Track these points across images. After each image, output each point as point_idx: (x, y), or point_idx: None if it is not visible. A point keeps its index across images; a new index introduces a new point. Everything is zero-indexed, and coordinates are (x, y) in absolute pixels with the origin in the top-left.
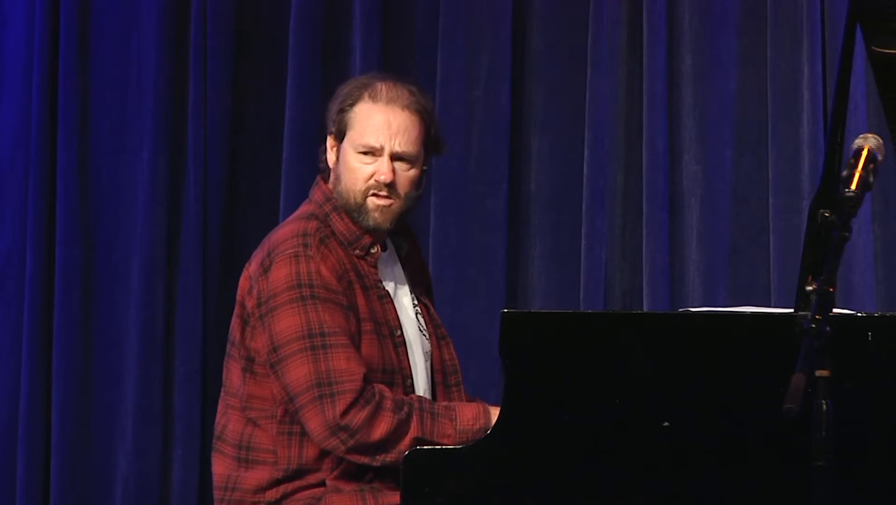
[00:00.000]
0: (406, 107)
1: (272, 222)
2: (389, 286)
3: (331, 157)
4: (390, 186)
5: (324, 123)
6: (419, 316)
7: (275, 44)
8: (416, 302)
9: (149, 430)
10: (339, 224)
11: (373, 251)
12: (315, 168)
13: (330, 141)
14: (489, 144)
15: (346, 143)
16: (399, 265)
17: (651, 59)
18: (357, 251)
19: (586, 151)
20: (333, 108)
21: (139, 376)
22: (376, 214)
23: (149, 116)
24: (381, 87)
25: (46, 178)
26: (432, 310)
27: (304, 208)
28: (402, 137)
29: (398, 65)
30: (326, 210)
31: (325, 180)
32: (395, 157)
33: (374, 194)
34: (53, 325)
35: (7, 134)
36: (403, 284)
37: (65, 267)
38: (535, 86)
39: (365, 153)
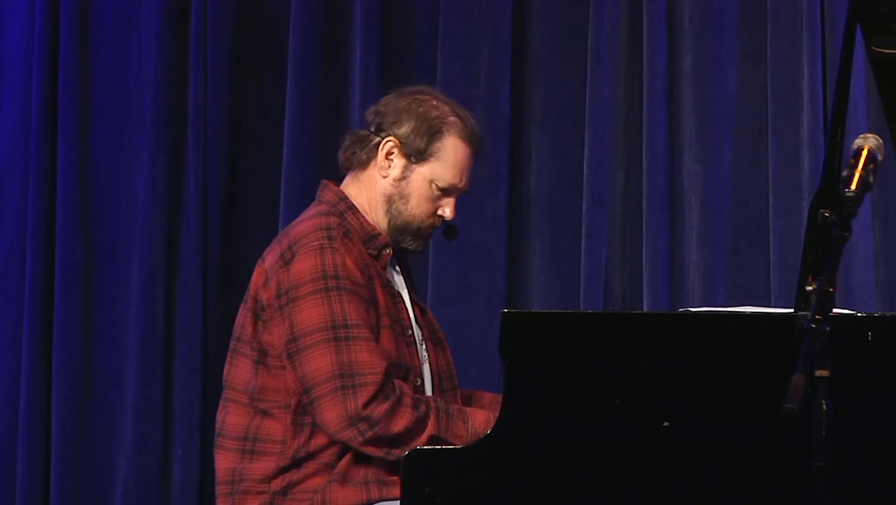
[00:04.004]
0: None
1: (272, 223)
2: (397, 287)
3: (393, 167)
4: None
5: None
6: (417, 321)
7: (275, 44)
8: (413, 308)
9: (149, 429)
10: (355, 222)
11: (385, 252)
12: (314, 167)
13: (395, 148)
14: (489, 144)
15: (425, 169)
16: (399, 271)
17: (651, 59)
18: (371, 250)
19: (586, 151)
20: (419, 124)
21: (139, 376)
22: (425, 242)
23: (149, 116)
24: (473, 126)
25: (46, 178)
26: (429, 314)
27: (317, 208)
28: (469, 176)
29: (398, 65)
30: (341, 209)
31: (336, 183)
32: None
33: (434, 226)
34: (53, 325)
35: (7, 134)
36: (404, 289)
37: (65, 267)
38: (535, 86)
39: (444, 189)
